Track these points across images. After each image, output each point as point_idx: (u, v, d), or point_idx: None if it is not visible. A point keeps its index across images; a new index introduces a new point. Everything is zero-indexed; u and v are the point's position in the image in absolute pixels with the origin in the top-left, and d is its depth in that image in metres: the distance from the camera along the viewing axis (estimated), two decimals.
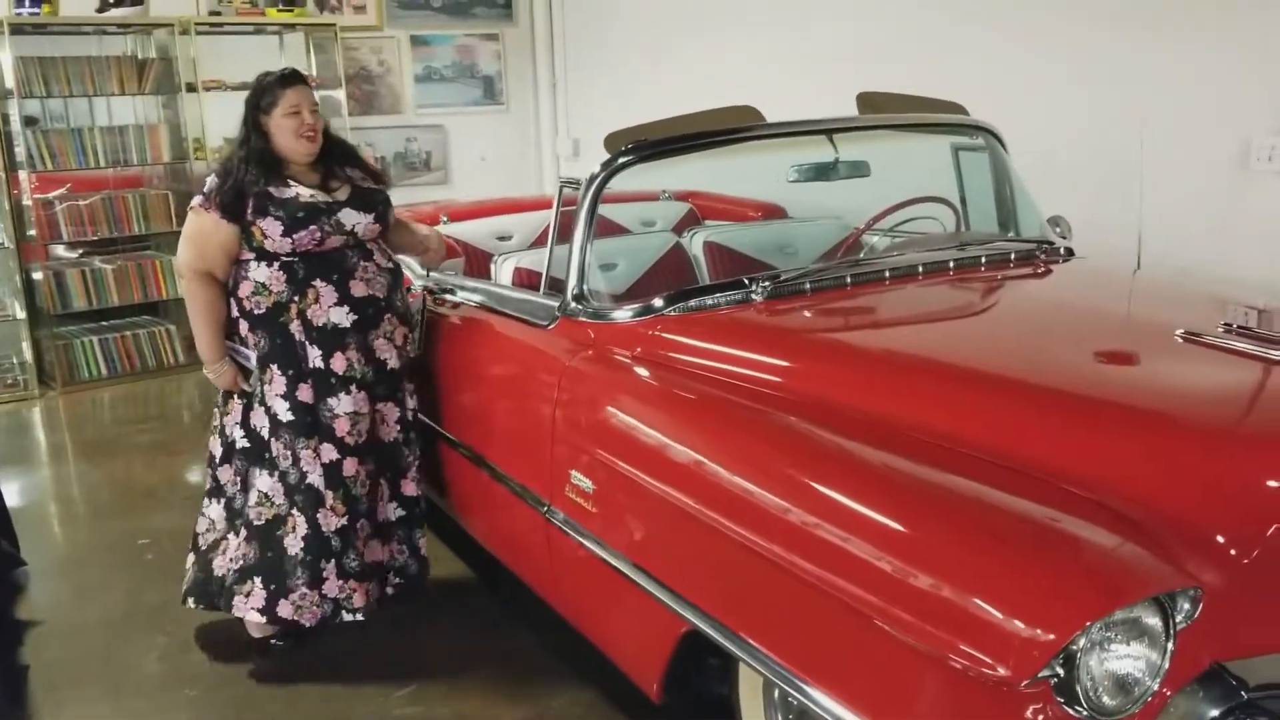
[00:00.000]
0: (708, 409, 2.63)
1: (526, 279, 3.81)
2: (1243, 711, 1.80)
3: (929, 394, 2.39)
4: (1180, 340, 2.41)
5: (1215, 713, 1.80)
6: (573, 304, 3.18)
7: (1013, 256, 3.33)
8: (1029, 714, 1.77)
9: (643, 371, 2.88)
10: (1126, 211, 4.05)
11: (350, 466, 3.42)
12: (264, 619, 3.41)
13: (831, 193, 3.99)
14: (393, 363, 3.51)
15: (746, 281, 3.03)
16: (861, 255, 3.43)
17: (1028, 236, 3.48)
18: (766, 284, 3.01)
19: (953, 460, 2.13)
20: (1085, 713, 1.74)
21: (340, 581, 3.42)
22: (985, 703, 1.80)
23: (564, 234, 3.25)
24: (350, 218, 3.38)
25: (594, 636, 3.02)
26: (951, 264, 3.21)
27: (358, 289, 3.40)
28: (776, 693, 2.47)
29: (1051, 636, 1.67)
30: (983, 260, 3.27)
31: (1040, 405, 2.27)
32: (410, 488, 3.66)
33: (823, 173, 3.47)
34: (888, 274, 3.13)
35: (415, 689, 3.40)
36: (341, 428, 3.39)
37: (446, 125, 8.49)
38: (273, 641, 3.62)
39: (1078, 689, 1.72)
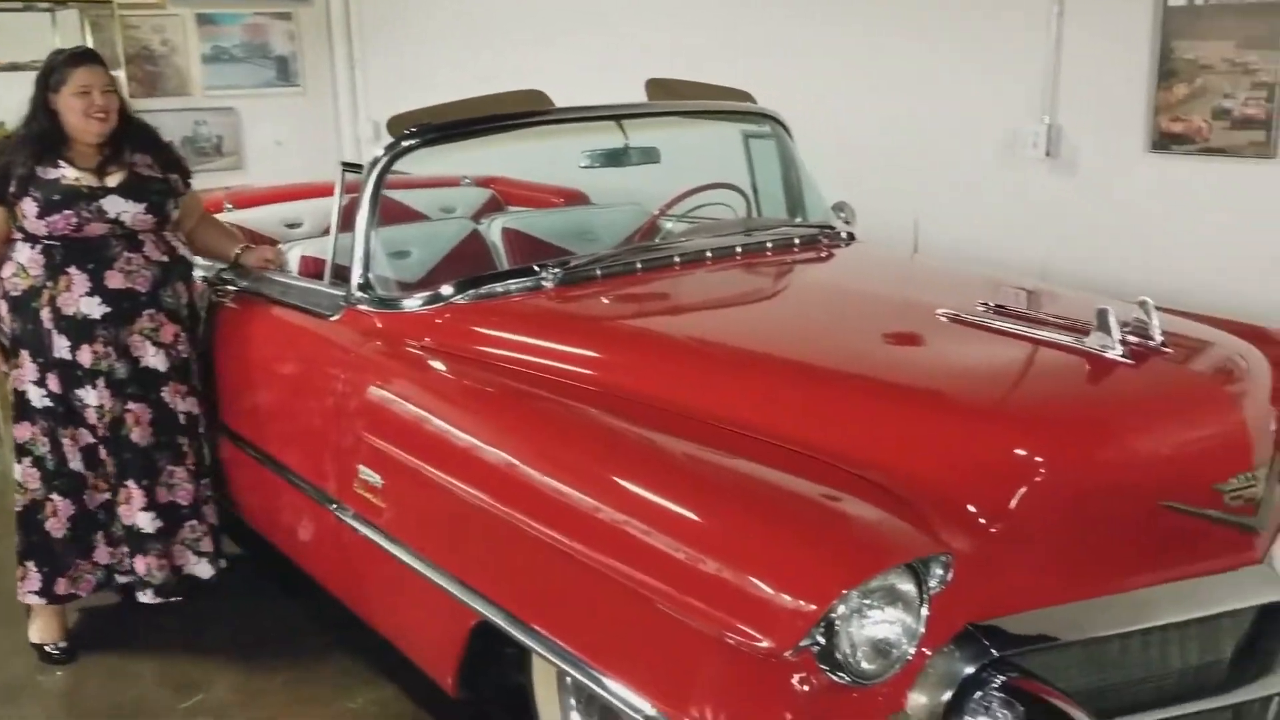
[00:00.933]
0: (490, 398, 2.61)
1: (313, 268, 3.67)
2: (994, 667, 1.90)
3: (710, 378, 2.44)
4: (943, 320, 2.53)
5: (969, 670, 1.90)
6: (357, 293, 3.09)
7: (797, 241, 3.42)
8: (795, 683, 1.83)
9: (430, 361, 2.84)
10: (906, 201, 4.27)
11: (105, 452, 3.33)
12: (44, 600, 3.38)
13: (632, 179, 4.04)
14: (151, 361, 3.32)
15: (537, 268, 3.01)
16: (657, 240, 3.46)
17: (812, 222, 3.58)
18: (557, 270, 3.00)
19: (727, 441, 2.18)
20: (847, 679, 1.81)
21: (110, 549, 3.40)
22: (758, 676, 1.85)
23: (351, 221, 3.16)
24: (116, 205, 3.20)
25: (389, 634, 2.96)
26: (739, 249, 3.27)
27: (114, 280, 3.22)
28: (569, 680, 2.47)
29: (811, 607, 1.73)
30: (768, 245, 3.35)
31: (813, 385, 2.35)
32: (177, 495, 3.42)
33: (613, 159, 3.49)
34: (677, 259, 3.17)
35: (203, 698, 3.26)
36: (91, 418, 3.28)
37: (238, 108, 8.10)
38: (49, 649, 3.47)
39: (838, 655, 1.78)
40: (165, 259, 3.34)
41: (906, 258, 3.44)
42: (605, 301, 2.99)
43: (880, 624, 1.81)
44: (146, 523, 3.36)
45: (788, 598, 1.75)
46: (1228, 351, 2.30)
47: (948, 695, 1.90)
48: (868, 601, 1.80)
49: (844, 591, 1.74)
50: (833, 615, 1.76)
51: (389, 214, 3.35)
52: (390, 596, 2.85)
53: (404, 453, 2.64)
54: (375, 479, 2.76)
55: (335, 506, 2.95)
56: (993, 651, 1.91)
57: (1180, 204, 3.79)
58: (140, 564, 3.37)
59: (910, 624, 1.83)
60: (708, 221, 3.73)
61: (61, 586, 3.38)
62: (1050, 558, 2.02)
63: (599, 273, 3.06)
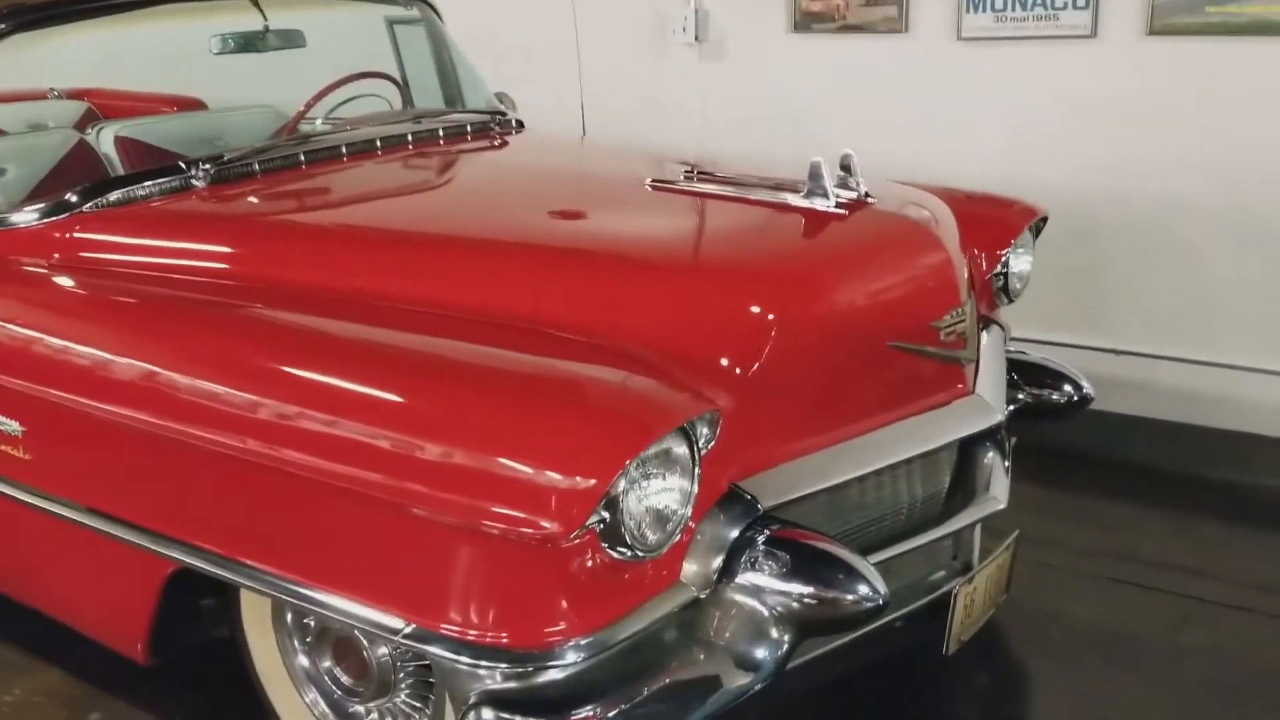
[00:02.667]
0: (155, 312, 2.24)
1: None
2: (760, 524, 1.87)
3: (412, 266, 2.21)
4: (652, 189, 2.44)
5: (737, 531, 1.85)
6: None
7: (469, 129, 3.21)
8: (575, 567, 1.70)
9: (64, 281, 2.39)
10: (566, 92, 4.15)
11: None
12: None
13: (255, 83, 3.64)
14: None
15: (185, 165, 2.60)
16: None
17: (484, 109, 3.37)
18: (208, 168, 2.61)
19: (446, 327, 1.98)
20: (628, 554, 1.71)
21: None
22: (529, 565, 1.70)
23: None
24: None
25: (49, 607, 2.51)
26: (410, 137, 3.01)
27: None
28: (289, 616, 2.20)
29: (593, 483, 1.59)
30: (440, 133, 3.11)
31: (532, 259, 2.19)
32: None
33: (252, 43, 3.08)
34: (345, 150, 2.87)
35: None
36: None
37: None
38: None
39: (623, 531, 1.67)
40: None
41: (580, 142, 3.33)
42: (275, 198, 2.65)
43: (660, 492, 1.71)
44: None
45: (568, 477, 1.60)
46: (923, 201, 2.38)
47: (719, 560, 1.84)
48: (646, 470, 1.69)
49: (627, 462, 1.61)
50: (614, 490, 1.63)
51: None
52: (49, 563, 2.40)
53: (48, 388, 2.20)
54: (12, 427, 2.29)
55: None
56: (759, 507, 1.87)
57: (823, 80, 3.94)
58: None
59: (686, 488, 1.74)
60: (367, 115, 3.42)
61: None
62: (794, 409, 2.00)
63: (257, 168, 2.70)
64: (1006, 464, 2.38)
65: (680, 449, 1.73)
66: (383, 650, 2.06)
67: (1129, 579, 2.96)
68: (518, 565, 1.70)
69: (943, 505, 2.28)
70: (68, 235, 2.46)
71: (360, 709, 2.15)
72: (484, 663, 1.73)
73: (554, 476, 1.60)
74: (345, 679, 2.15)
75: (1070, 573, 2.97)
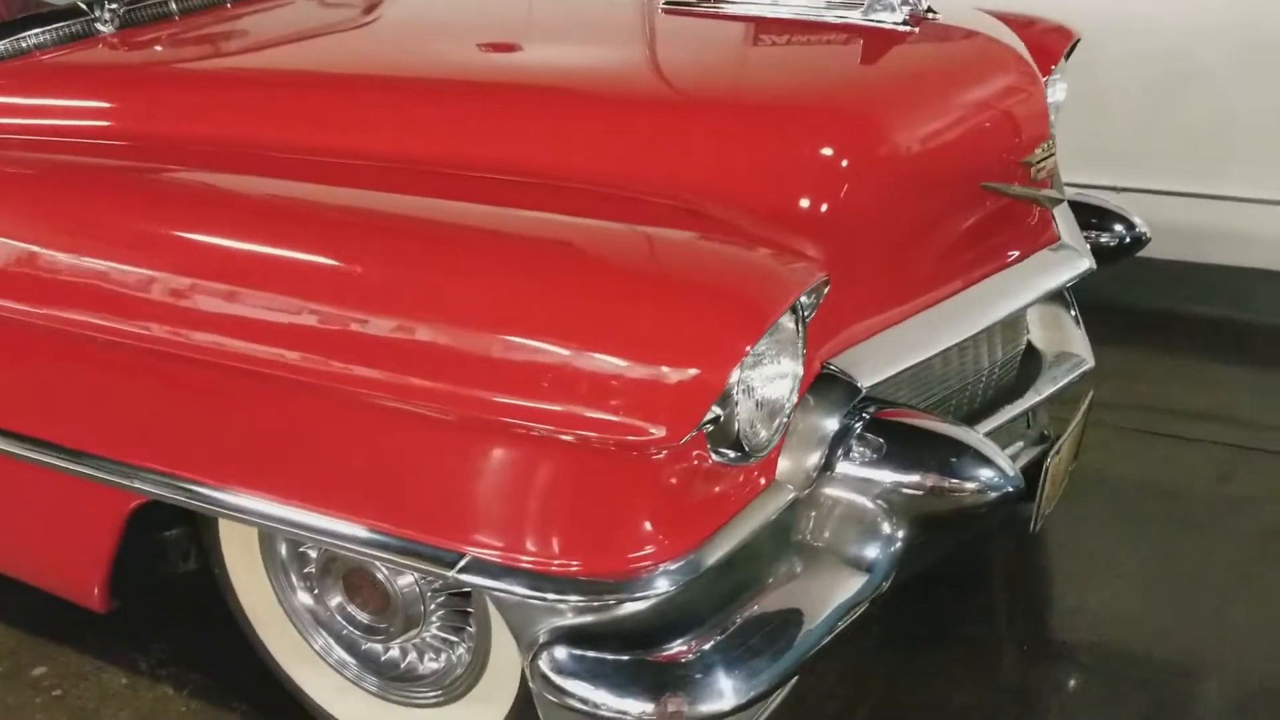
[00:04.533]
0: (72, 186, 1.79)
1: None
2: (860, 408, 1.58)
3: (397, 116, 1.79)
4: (664, 12, 2.04)
5: (837, 418, 1.56)
6: None
7: None
8: (665, 478, 1.38)
9: None
10: None
11: None
12: None
13: None
14: None
15: (85, 6, 2.11)
16: None
17: None
18: (115, 7, 2.12)
19: (466, 190, 1.59)
20: (735, 457, 1.40)
21: None
22: (613, 479, 1.38)
23: None
24: None
25: None
26: None
27: None
28: (283, 547, 1.85)
29: (709, 376, 1.27)
30: None
31: (549, 108, 1.79)
32: None
33: None
34: None
35: None
36: None
37: None
38: None
39: (735, 429, 1.35)
40: None
41: None
42: (196, 42, 2.18)
43: (773, 380, 1.40)
44: None
45: (677, 370, 1.27)
46: (991, 23, 2.04)
47: (820, 453, 1.55)
48: (758, 355, 1.37)
49: (747, 349, 1.29)
50: (730, 382, 1.31)
51: None
52: None
53: None
54: None
55: None
56: (859, 389, 1.57)
57: None
58: None
59: (795, 372, 1.43)
60: None
61: None
62: (881, 269, 1.70)
63: (175, 8, 2.21)
64: (1075, 316, 2.14)
65: (789, 325, 1.41)
66: (407, 580, 1.73)
67: (1163, 431, 2.79)
68: (599, 479, 1.38)
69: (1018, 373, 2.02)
70: None
71: (383, 649, 1.84)
72: (557, 595, 1.42)
73: (660, 370, 1.27)
74: (363, 616, 1.82)
75: (1103, 428, 2.77)
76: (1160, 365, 3.12)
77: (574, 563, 1.41)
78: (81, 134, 1.87)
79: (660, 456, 1.35)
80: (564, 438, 1.34)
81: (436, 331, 1.37)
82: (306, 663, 1.92)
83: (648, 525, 1.40)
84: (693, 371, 1.27)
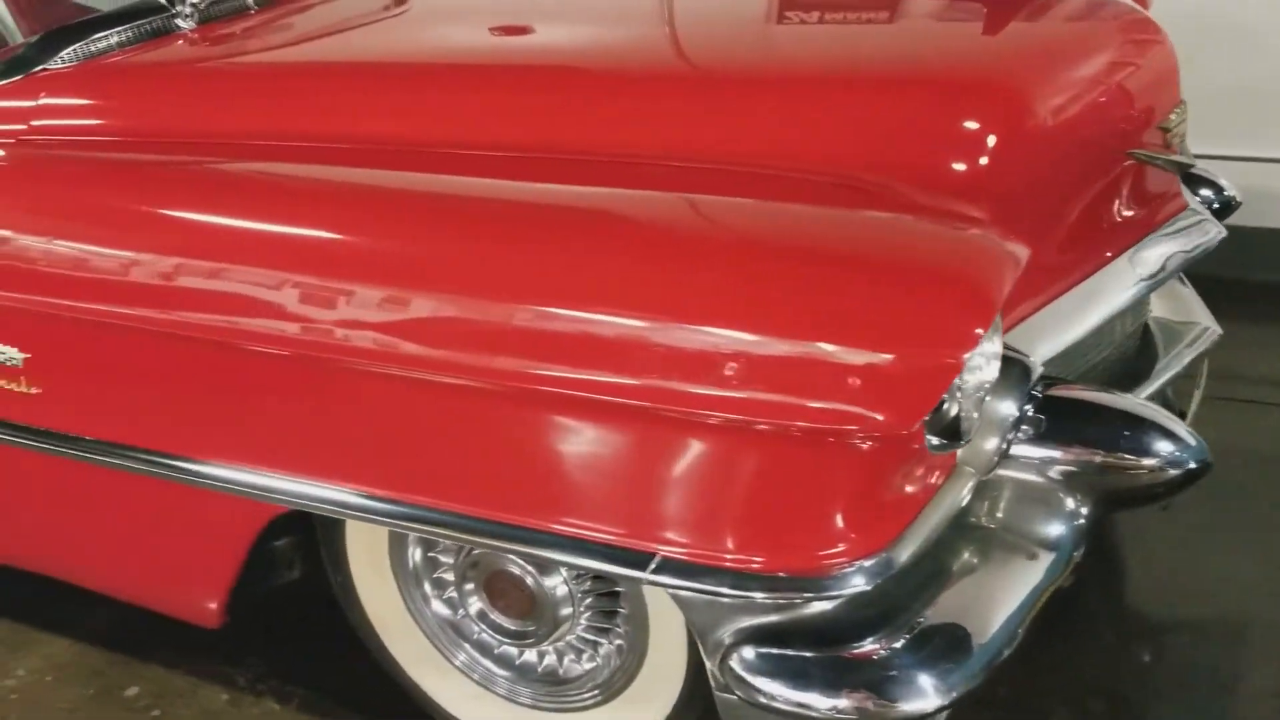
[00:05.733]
0: (176, 188, 1.71)
1: None
2: (1043, 388, 1.54)
3: (531, 104, 1.72)
4: None
5: (1016, 398, 1.51)
6: None
7: None
8: (867, 470, 1.34)
9: (36, 162, 1.83)
10: None
11: None
12: None
13: None
14: None
15: (166, 2, 2.02)
16: None
17: None
18: (196, 2, 2.03)
19: (632, 176, 1.53)
20: (943, 443, 1.36)
21: None
22: (814, 471, 1.33)
23: None
24: None
25: (69, 573, 2.03)
26: None
27: None
28: (417, 552, 1.79)
29: (945, 360, 1.22)
30: None
31: (684, 88, 1.73)
32: None
33: None
34: None
35: None
36: None
37: None
38: None
39: (957, 416, 1.31)
40: None
41: None
42: (286, 35, 2.10)
43: (985, 362, 1.35)
44: None
45: (908, 357, 1.22)
46: None
47: (1001, 435, 1.50)
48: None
49: (979, 332, 1.24)
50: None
51: None
52: (75, 522, 1.91)
53: (68, 299, 1.68)
54: (7, 355, 1.76)
55: None
56: (1035, 367, 1.53)
57: None
58: None
59: (995, 351, 1.39)
60: None
61: None
62: (1040, 243, 1.65)
63: (250, 1, 2.13)
64: (1187, 285, 2.11)
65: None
66: (554, 580, 1.68)
67: (1255, 399, 2.76)
68: (794, 473, 1.33)
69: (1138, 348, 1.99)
70: (31, 102, 1.87)
71: (530, 655, 1.78)
72: (750, 594, 1.37)
73: (888, 357, 1.22)
74: (505, 620, 1.76)
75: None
76: (1249, 333, 3.08)
77: (766, 560, 1.36)
78: (182, 135, 1.79)
79: (866, 447, 1.30)
80: (761, 428, 1.29)
81: (633, 324, 1.31)
82: (438, 670, 1.86)
83: (841, 520, 1.35)
84: (925, 357, 1.22)
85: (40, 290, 1.71)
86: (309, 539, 1.83)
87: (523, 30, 2.04)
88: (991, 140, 1.58)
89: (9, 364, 1.77)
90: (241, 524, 1.69)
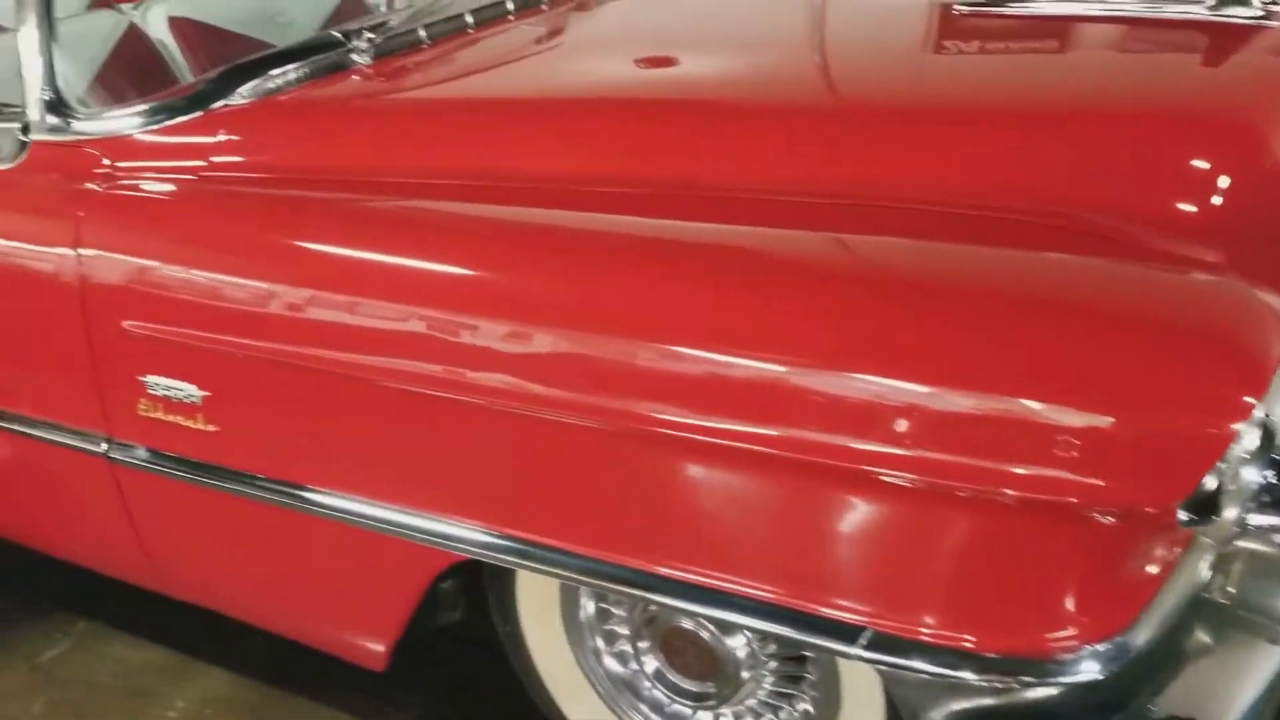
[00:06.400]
0: (366, 223, 1.67)
1: None
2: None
3: (734, 138, 1.64)
4: (962, 12, 1.88)
5: (1259, 470, 1.37)
6: (49, 117, 1.95)
7: None
8: (1110, 547, 1.23)
9: (217, 197, 1.82)
10: None
11: None
12: None
13: None
14: None
15: (341, 35, 2.01)
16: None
17: None
18: (373, 37, 2.01)
19: (837, 219, 1.44)
20: (1197, 519, 1.23)
21: None
22: (1053, 547, 1.22)
23: None
24: None
25: (242, 609, 2.02)
26: None
27: None
28: (590, 606, 1.72)
29: (1213, 433, 1.11)
30: None
31: (897, 125, 1.63)
32: None
33: None
34: (511, 5, 2.28)
35: None
36: None
37: None
38: None
39: (1219, 492, 1.19)
40: None
41: None
42: (464, 71, 2.07)
43: (1251, 432, 1.23)
44: None
45: (1169, 427, 1.12)
46: None
47: (1237, 510, 1.36)
48: None
49: (1251, 400, 1.12)
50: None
51: None
52: (247, 560, 1.90)
53: (250, 339, 1.66)
54: (187, 391, 1.76)
55: (108, 448, 1.90)
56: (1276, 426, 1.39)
57: None
58: None
59: (1262, 416, 1.26)
60: None
61: None
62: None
63: (424, 35, 2.10)
64: None
65: None
66: (736, 640, 1.60)
67: None
68: (1024, 547, 1.23)
69: None
70: (211, 139, 1.88)
71: (705, 717, 1.70)
72: (969, 676, 1.27)
73: (1145, 426, 1.12)
74: (683, 680, 1.68)
75: None
76: None
77: (986, 640, 1.26)
78: (365, 171, 1.76)
79: (1107, 521, 1.19)
80: (994, 499, 1.19)
81: (856, 381, 1.22)
82: None
83: (1073, 599, 1.25)
84: (1189, 426, 1.11)
85: (218, 327, 1.70)
86: (473, 580, 1.79)
87: (678, 61, 1.98)
88: (1226, 180, 1.46)
89: (187, 401, 1.76)
90: (417, 570, 1.65)
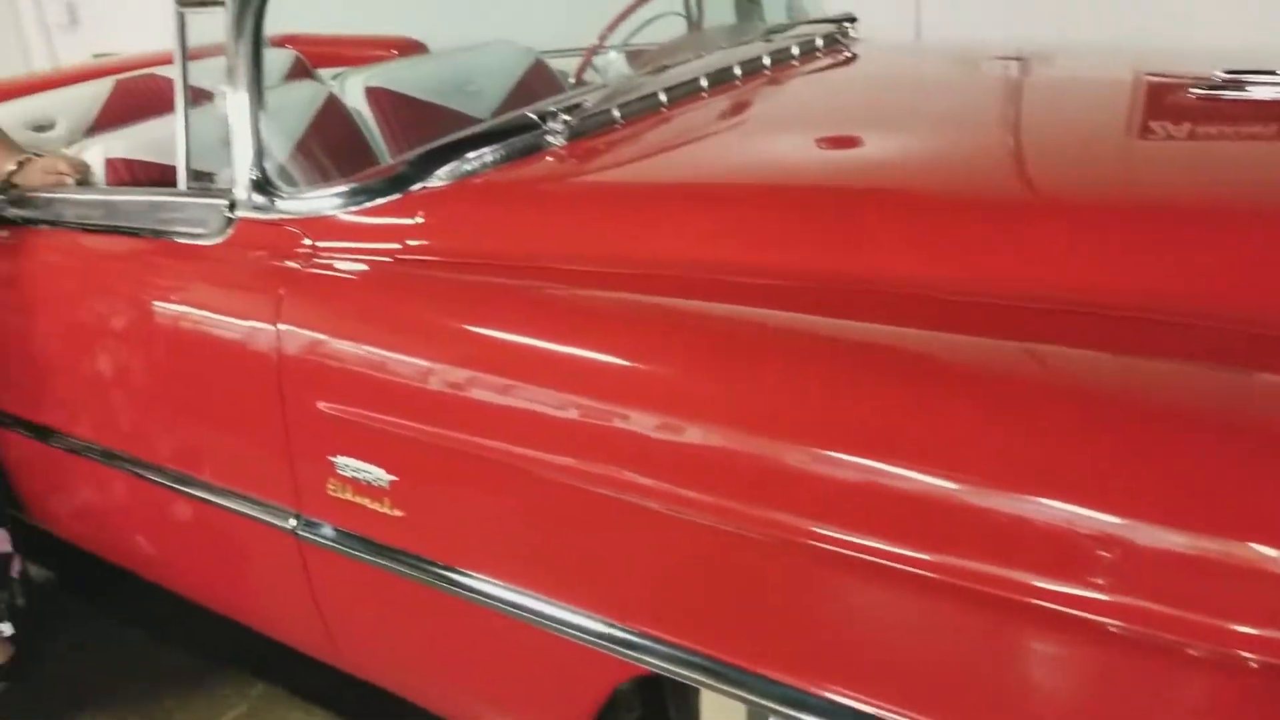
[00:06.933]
0: (571, 315, 1.62)
1: (130, 174, 2.51)
2: None
3: (944, 233, 1.55)
4: (1199, 99, 1.75)
5: None
6: (256, 196, 2.00)
7: (819, 44, 2.55)
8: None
9: (414, 281, 1.82)
10: None
11: None
12: None
13: (475, 21, 3.07)
14: None
15: (536, 116, 2.00)
16: (645, 67, 2.45)
17: (822, 17, 2.70)
18: (567, 119, 2.00)
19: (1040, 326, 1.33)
20: None
21: None
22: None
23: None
24: None
25: (416, 693, 2.00)
26: (766, 59, 2.38)
27: None
28: None
29: None
30: (795, 51, 2.47)
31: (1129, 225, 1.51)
32: None
33: None
34: (704, 82, 2.24)
35: None
36: None
37: None
38: None
39: None
40: None
41: (944, 47, 2.64)
42: (660, 152, 2.04)
43: None
44: None
45: None
46: None
47: None
48: None
49: None
50: None
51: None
52: (422, 647, 1.88)
53: (440, 427, 1.65)
54: (376, 474, 1.75)
55: (296, 525, 1.92)
56: None
57: None
58: None
59: None
60: (653, 46, 2.78)
61: None
62: None
63: (617, 115, 2.08)
64: None
65: None
66: None
67: None
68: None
69: None
70: (408, 220, 1.89)
71: None
72: None
73: None
74: None
75: None
76: None
77: None
78: (548, 257, 1.72)
79: None
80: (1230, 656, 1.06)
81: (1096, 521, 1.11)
82: None
83: None
84: None
85: (409, 414, 1.70)
86: (654, 684, 1.72)
87: (861, 141, 1.90)
88: None
89: (375, 484, 1.76)
90: (597, 677, 1.58)
